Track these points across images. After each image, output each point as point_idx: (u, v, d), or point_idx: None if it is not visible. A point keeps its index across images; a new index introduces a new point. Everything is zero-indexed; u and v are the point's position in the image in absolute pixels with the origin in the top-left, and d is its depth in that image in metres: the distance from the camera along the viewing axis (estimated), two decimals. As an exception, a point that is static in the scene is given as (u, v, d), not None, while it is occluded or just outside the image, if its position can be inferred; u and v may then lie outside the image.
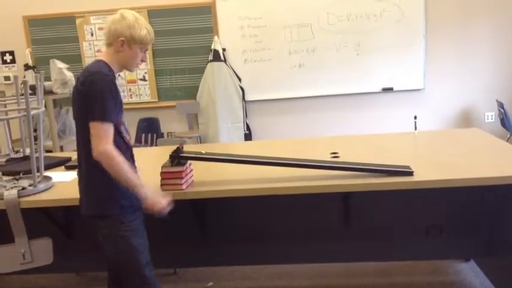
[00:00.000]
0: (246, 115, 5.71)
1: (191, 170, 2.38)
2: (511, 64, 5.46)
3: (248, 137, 5.71)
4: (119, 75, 5.64)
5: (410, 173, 2.25)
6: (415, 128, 3.22)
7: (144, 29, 2.02)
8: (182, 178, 2.24)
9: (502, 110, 5.12)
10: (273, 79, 5.68)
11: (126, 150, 2.05)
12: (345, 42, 5.52)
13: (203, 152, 2.45)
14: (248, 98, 5.69)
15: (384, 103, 5.68)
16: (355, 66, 5.57)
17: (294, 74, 5.65)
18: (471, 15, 5.40)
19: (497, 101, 5.27)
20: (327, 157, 2.68)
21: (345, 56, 5.56)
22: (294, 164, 2.38)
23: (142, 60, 2.11)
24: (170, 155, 2.29)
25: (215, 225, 2.92)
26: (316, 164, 2.36)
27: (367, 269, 3.18)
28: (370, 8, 5.42)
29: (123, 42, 2.00)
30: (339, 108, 5.74)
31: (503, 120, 5.17)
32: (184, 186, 2.26)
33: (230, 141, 5.46)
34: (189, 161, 2.35)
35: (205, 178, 2.42)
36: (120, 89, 5.64)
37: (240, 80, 5.64)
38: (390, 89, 5.62)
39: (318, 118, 5.76)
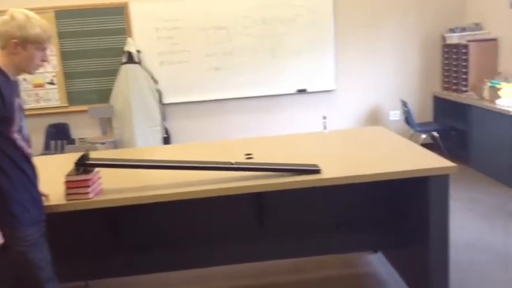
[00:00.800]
0: (164, 118, 5.61)
1: (99, 178, 2.29)
2: (413, 66, 5.86)
3: (167, 140, 5.62)
4: (24, 79, 5.35)
5: (317, 171, 2.34)
6: (325, 128, 3.35)
7: (37, 27, 1.91)
8: (89, 187, 2.15)
9: (405, 108, 5.49)
10: (191, 81, 5.64)
11: (23, 161, 1.92)
12: (261, 46, 5.63)
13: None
14: (166, 100, 5.60)
15: (298, 104, 5.85)
16: (271, 69, 5.70)
17: (211, 76, 5.65)
18: (376, 21, 5.74)
19: (401, 100, 5.64)
20: (242, 158, 2.71)
21: (260, 58, 5.66)
22: (204, 167, 2.38)
23: (43, 60, 1.98)
24: (75, 163, 2.19)
25: (128, 233, 2.84)
26: (226, 166, 2.38)
27: (281, 267, 3.25)
28: (284, 13, 5.56)
29: (16, 44, 1.88)
30: (256, 110, 5.83)
31: (407, 118, 5.54)
32: (91, 195, 2.17)
33: (147, 145, 5.33)
34: (96, 168, 2.27)
35: (118, 185, 2.34)
36: (24, 94, 5.33)
37: (156, 82, 5.53)
38: (304, 91, 5.80)
39: (236, 120, 5.82)
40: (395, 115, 5.95)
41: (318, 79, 5.77)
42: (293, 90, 5.80)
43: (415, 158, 2.47)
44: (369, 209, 3.08)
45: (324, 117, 3.38)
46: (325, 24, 5.63)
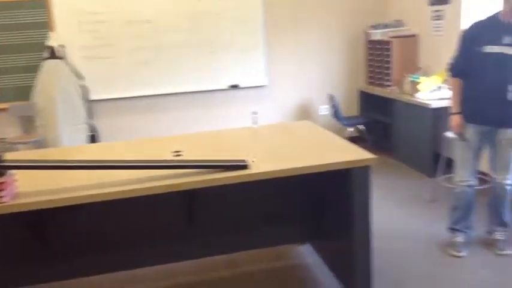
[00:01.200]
0: (91, 116, 5.40)
1: (15, 181, 2.17)
2: (339, 62, 6.06)
3: (94, 139, 5.42)
4: None
5: (245, 166, 2.36)
6: (255, 123, 3.38)
7: None
8: (2, 190, 2.03)
9: (333, 103, 5.66)
10: (119, 77, 5.47)
11: None
12: (191, 40, 5.56)
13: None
14: (93, 97, 5.40)
15: (231, 100, 5.86)
16: (202, 64, 5.65)
17: (140, 71, 5.52)
18: (303, 17, 5.86)
19: (328, 94, 5.81)
20: (170, 156, 2.67)
21: (191, 53, 5.60)
22: (128, 166, 2.32)
23: None
24: (-13, 165, 2.06)
25: (55, 236, 2.72)
26: (151, 164, 2.34)
27: (215, 263, 3.25)
28: (213, 7, 5.53)
29: None
30: (188, 106, 5.77)
31: (335, 113, 5.72)
32: (6, 199, 2.05)
33: (73, 144, 5.11)
34: (12, 171, 2.14)
35: (38, 187, 2.23)
36: None
37: (82, 78, 5.31)
38: (236, 86, 5.82)
39: (168, 117, 5.73)
40: (325, 110, 6.13)
41: (250, 75, 5.81)
42: (225, 86, 5.80)
43: (339, 151, 2.56)
44: (298, 201, 3.16)
45: (254, 112, 3.40)
46: (254, 20, 5.67)
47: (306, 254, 3.32)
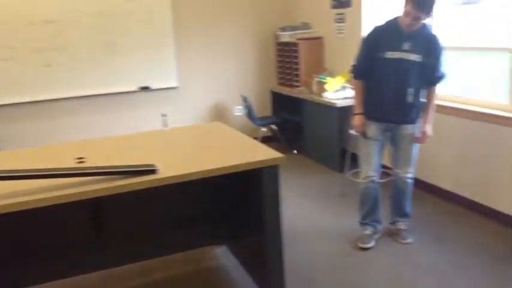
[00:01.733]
0: (-14, 122, 4.98)
1: None
2: (250, 63, 6.14)
3: (-10, 147, 5.00)
4: None
5: (154, 171, 2.30)
6: (165, 126, 3.31)
7: None
8: None
9: (246, 103, 5.72)
10: (18, 81, 5.09)
11: None
12: (97, 41, 5.32)
13: None
14: (-10, 102, 4.98)
15: (142, 102, 5.70)
16: (110, 66, 5.43)
17: (42, 74, 5.17)
18: (214, 18, 5.86)
19: (241, 96, 5.87)
20: (72, 163, 2.53)
21: (97, 55, 5.36)
22: (27, 175, 2.16)
23: None
24: None
25: None
26: (50, 173, 2.19)
27: (129, 271, 3.14)
28: (119, 7, 5.34)
29: None
30: (96, 110, 5.52)
31: (249, 113, 5.78)
32: None
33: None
34: None
35: None
36: None
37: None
38: (147, 88, 5.67)
39: (73, 121, 5.43)
40: (239, 110, 6.17)
41: (160, 76, 5.68)
42: (135, 88, 5.63)
43: (248, 152, 2.58)
44: (212, 203, 3.15)
45: (163, 115, 3.34)
46: (163, 20, 5.56)
47: (222, 256, 3.31)
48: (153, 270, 3.16)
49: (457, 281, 2.80)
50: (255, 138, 5.58)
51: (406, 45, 2.94)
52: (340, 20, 5.22)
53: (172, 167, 2.36)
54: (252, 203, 2.65)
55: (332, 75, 5.31)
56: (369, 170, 3.24)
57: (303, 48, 5.57)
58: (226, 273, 3.09)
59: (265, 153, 2.49)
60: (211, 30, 5.86)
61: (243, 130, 5.72)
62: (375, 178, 3.26)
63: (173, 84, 5.76)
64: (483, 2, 3.99)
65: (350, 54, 5.13)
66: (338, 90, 4.98)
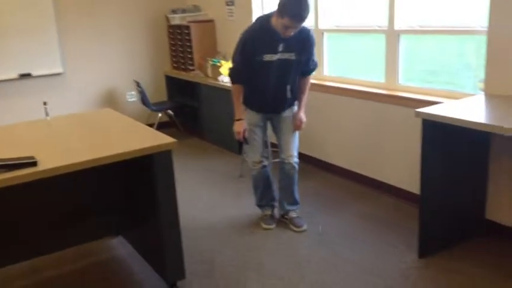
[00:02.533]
0: None
1: None
2: (142, 47, 5.94)
3: None
4: None
5: (34, 164, 2.14)
6: (47, 114, 3.09)
7: None
8: None
9: (139, 88, 5.55)
10: None
11: None
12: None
13: None
14: None
15: (22, 90, 5.27)
16: (-18, 51, 4.94)
17: None
18: (98, 1, 5.55)
19: (134, 81, 5.67)
20: None
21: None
22: None
23: None
24: None
25: None
26: None
27: (18, 271, 2.92)
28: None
29: None
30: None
31: (143, 99, 5.62)
32: None
33: None
34: None
35: None
36: None
37: None
38: (28, 75, 5.25)
39: None
40: (132, 96, 5.97)
41: (43, 62, 5.29)
42: (15, 75, 5.18)
43: (138, 138, 2.51)
44: (103, 193, 3.03)
45: (45, 103, 3.11)
46: (44, 3, 5.15)
47: (117, 246, 3.21)
48: (44, 269, 2.97)
49: (348, 251, 3.01)
50: (151, 124, 5.48)
51: (281, 47, 2.99)
52: (230, 2, 5.23)
53: (55, 158, 2.22)
54: (146, 190, 2.59)
55: (226, 58, 5.33)
56: (256, 156, 3.28)
57: (195, 31, 5.51)
58: (125, 263, 3.00)
59: (156, 139, 2.44)
60: (97, 12, 5.56)
61: (138, 116, 5.59)
62: (264, 163, 3.32)
63: (57, 70, 5.39)
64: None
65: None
66: (232, 73, 5.01)
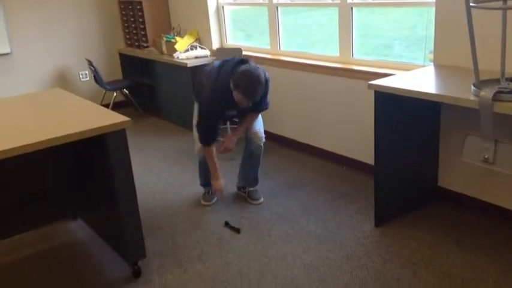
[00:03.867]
0: None
1: None
2: (93, 25, 5.73)
3: None
4: None
5: (-20, 148, 2.05)
6: (-7, 97, 2.96)
7: None
8: None
9: (92, 67, 5.37)
10: None
11: None
12: None
13: None
14: None
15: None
16: None
17: None
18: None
19: (86, 59, 5.48)
20: None
21: None
22: None
23: None
24: None
25: None
26: None
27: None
28: None
29: None
30: None
31: (96, 78, 5.45)
32: None
33: None
34: None
35: None
36: None
37: None
38: (-28, 56, 4.99)
39: None
40: (85, 75, 5.78)
41: (-13, 42, 5.03)
42: (-43, 57, 4.91)
43: (91, 118, 2.44)
44: (59, 176, 2.95)
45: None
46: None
47: (76, 229, 3.16)
48: (4, 253, 2.89)
49: (309, 223, 3.07)
50: (107, 104, 5.35)
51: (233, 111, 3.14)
52: (184, -24, 5.11)
53: (4, 140, 2.13)
54: (102, 170, 2.54)
55: (180, 34, 5.23)
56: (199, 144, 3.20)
57: (147, 7, 5.36)
58: (85, 246, 2.96)
59: (108, 118, 2.38)
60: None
61: (92, 96, 5.44)
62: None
63: (4, 50, 5.14)
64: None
65: (196, 13, 5.09)
66: (188, 50, 4.94)
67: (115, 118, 2.37)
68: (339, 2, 3.66)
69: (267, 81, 3.04)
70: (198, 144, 3.23)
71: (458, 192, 3.12)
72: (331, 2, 3.80)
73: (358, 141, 3.71)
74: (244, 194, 3.45)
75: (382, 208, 2.94)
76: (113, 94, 5.59)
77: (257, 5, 4.61)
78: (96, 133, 2.24)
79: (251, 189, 3.43)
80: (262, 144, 3.29)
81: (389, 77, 2.83)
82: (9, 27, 5.13)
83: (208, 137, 3.09)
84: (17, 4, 5.17)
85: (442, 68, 2.95)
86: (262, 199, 3.39)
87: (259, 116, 3.30)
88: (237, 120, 3.38)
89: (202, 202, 3.42)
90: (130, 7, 5.59)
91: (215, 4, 4.92)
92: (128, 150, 2.39)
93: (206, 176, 3.40)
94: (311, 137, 4.16)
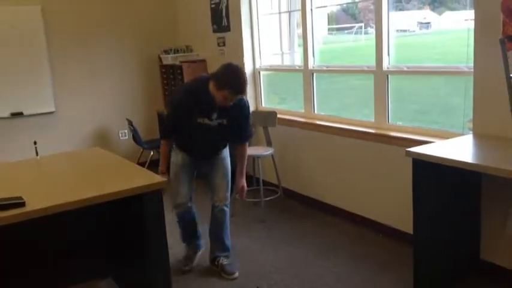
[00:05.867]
0: None
1: None
2: (135, 86, 5.99)
3: None
4: None
5: (22, 204, 2.11)
6: (37, 154, 3.07)
7: None
8: None
9: (131, 127, 5.55)
10: None
11: None
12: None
13: None
14: None
15: (13, 129, 5.25)
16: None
17: None
18: (92, 41, 5.62)
19: (126, 119, 5.68)
20: None
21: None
22: None
23: None
24: None
25: None
26: None
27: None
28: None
29: None
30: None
31: (134, 137, 5.61)
32: None
33: None
34: None
35: None
36: None
37: None
38: (20, 114, 5.25)
39: None
40: (124, 134, 5.96)
41: (35, 101, 5.30)
42: (6, 114, 5.17)
43: (129, 177, 2.49)
44: (92, 234, 2.97)
45: (35, 143, 3.10)
46: (36, 42, 5.21)
47: (105, 288, 3.13)
48: (28, 313, 2.87)
49: (339, 290, 2.95)
50: (144, 162, 5.45)
51: (215, 115, 2.97)
52: (222, 43, 5.33)
53: (42, 198, 2.19)
54: (135, 231, 2.54)
55: (217, 97, 5.37)
56: (178, 198, 3.14)
57: (187, 71, 5.57)
58: (112, 307, 2.91)
59: (146, 178, 2.42)
60: (89, 52, 5.62)
61: (130, 154, 5.57)
62: (189, 205, 3.17)
63: (49, 109, 5.40)
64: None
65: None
66: (223, 112, 5.04)
67: (153, 178, 2.40)
68: (374, 69, 3.71)
69: (247, 107, 3.04)
70: (174, 202, 3.14)
71: (502, 266, 2.95)
72: (367, 69, 3.86)
73: (394, 208, 3.62)
74: (217, 269, 3.22)
75: (422, 280, 2.80)
76: (150, 153, 5.72)
77: (293, 71, 4.73)
78: (134, 193, 2.27)
79: (224, 262, 3.22)
80: (226, 209, 3.16)
81: (427, 145, 2.80)
82: (54, 86, 5.40)
83: (166, 130, 3.11)
84: (64, 65, 5.48)
85: (481, 137, 2.90)
86: (236, 274, 3.16)
87: (227, 178, 3.18)
88: (217, 138, 3.11)
89: (182, 267, 3.21)
90: (170, 70, 5.83)
91: (251, 68, 5.07)
92: (163, 211, 2.40)
93: (186, 235, 3.30)
94: (346, 202, 4.08)
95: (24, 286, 2.72)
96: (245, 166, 3.24)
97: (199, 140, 3.04)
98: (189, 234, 3.31)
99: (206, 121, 2.96)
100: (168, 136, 3.11)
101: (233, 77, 2.80)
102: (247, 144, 3.23)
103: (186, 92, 3.00)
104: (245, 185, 3.24)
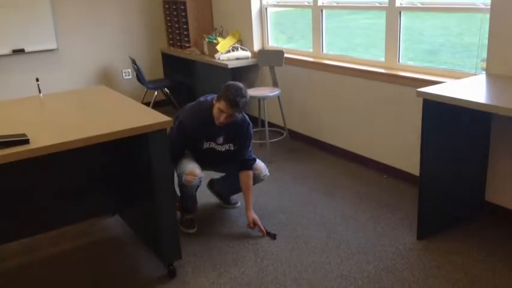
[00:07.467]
0: None
1: None
2: (138, 23, 5.82)
3: None
4: None
5: (26, 141, 2.09)
6: (39, 91, 3.02)
7: None
8: None
9: (135, 66, 5.45)
10: None
11: None
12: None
13: None
14: None
15: (15, 67, 5.18)
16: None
17: None
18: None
19: (130, 57, 5.57)
20: None
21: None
22: None
23: None
24: None
25: None
26: None
27: (11, 250, 2.90)
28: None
29: None
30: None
31: (138, 76, 5.53)
32: None
33: None
34: None
35: None
36: None
37: None
38: (22, 51, 5.15)
39: None
40: (128, 73, 5.87)
41: (36, 38, 5.19)
42: (8, 51, 5.08)
43: (134, 116, 2.45)
44: (98, 172, 2.98)
45: (37, 80, 3.04)
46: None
47: (114, 225, 3.18)
48: (40, 247, 2.95)
49: (347, 232, 2.99)
50: (148, 102, 5.41)
51: (220, 139, 2.96)
52: (228, -22, 5.12)
53: (47, 136, 2.16)
54: (141, 169, 2.54)
55: (222, 35, 5.23)
56: (189, 167, 2.93)
57: (190, 7, 5.39)
58: (121, 243, 2.97)
59: (151, 117, 2.38)
60: (91, -13, 5.43)
61: (134, 94, 5.52)
62: (197, 177, 2.94)
63: (51, 46, 5.29)
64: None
65: (239, 14, 5.08)
66: (229, 51, 4.93)
67: (158, 118, 2.37)
68: (387, 5, 3.55)
69: (249, 130, 3.02)
70: (184, 171, 2.94)
71: (507, 208, 2.96)
72: (378, 5, 3.70)
73: (400, 150, 3.59)
74: (212, 191, 3.46)
75: (426, 220, 2.82)
76: (154, 93, 5.66)
77: (302, 7, 4.55)
78: (139, 132, 2.24)
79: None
80: (263, 177, 3.13)
81: (439, 85, 2.72)
82: (56, 23, 5.26)
83: (174, 155, 2.91)
84: (65, 1, 5.30)
85: (495, 77, 2.81)
86: (239, 203, 3.36)
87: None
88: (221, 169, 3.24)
89: (183, 229, 3.10)
90: (174, 7, 5.64)
91: (258, 5, 4.89)
92: (168, 150, 2.38)
93: (187, 205, 3.16)
94: (351, 143, 4.06)
95: (35, 222, 2.77)
96: (251, 196, 3.06)
97: (208, 162, 3.08)
98: (193, 200, 3.14)
99: (213, 145, 2.98)
100: (177, 160, 3.02)
101: (229, 90, 2.78)
102: (251, 172, 3.06)
103: (191, 120, 2.94)
104: (256, 217, 3.04)
